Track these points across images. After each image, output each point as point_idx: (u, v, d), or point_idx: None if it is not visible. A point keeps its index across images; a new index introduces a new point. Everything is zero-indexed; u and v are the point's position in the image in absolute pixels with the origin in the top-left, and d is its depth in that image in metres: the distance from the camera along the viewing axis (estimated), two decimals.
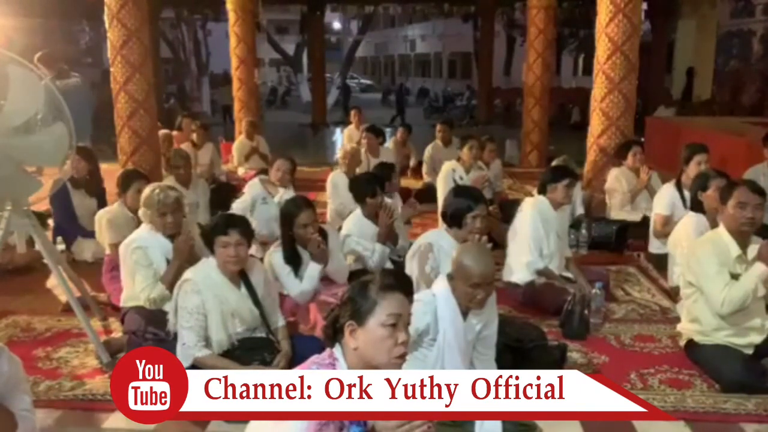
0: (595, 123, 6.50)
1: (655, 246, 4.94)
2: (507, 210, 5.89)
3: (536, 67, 9.92)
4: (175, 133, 8.39)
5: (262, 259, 3.78)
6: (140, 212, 3.70)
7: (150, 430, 2.89)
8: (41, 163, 3.79)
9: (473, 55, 24.83)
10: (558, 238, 4.28)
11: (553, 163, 5.43)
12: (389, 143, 9.67)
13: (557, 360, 3.29)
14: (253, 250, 4.79)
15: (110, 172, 5.90)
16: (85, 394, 3.19)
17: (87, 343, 3.68)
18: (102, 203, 5.32)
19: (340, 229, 4.45)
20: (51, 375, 3.39)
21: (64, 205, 5.25)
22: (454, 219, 3.53)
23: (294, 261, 3.67)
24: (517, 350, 3.21)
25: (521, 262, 4.22)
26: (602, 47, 6.29)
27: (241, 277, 3.15)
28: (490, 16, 18.38)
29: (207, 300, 3.03)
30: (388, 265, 4.33)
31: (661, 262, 4.70)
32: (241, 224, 3.12)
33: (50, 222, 5.56)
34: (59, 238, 4.99)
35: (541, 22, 9.72)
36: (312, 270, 3.65)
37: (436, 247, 3.50)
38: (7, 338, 3.83)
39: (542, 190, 4.32)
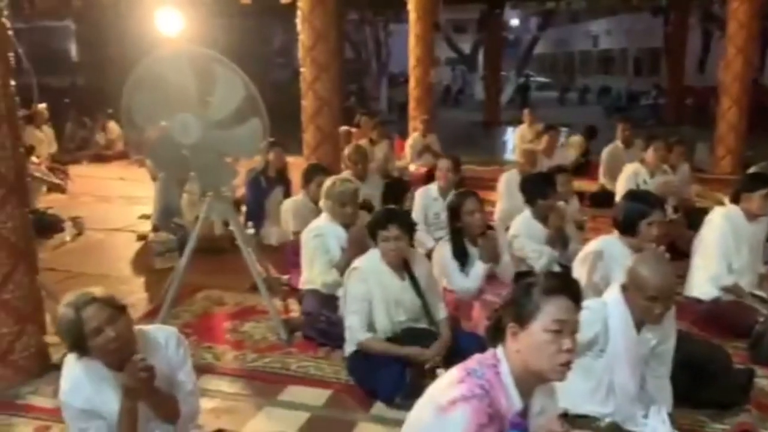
0: None
1: None
2: (693, 219, 5.44)
3: (735, 65, 9.02)
4: (353, 129, 8.81)
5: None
6: (321, 203, 3.97)
7: None
8: (239, 154, 4.15)
9: (663, 50, 23.13)
10: (750, 252, 3.90)
11: (750, 170, 4.96)
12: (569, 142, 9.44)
13: (743, 386, 3.00)
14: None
15: (296, 165, 6.35)
16: (265, 367, 3.50)
17: (268, 320, 4.01)
18: (287, 193, 5.77)
19: (507, 230, 4.41)
20: (237, 346, 3.76)
21: (256, 194, 5.78)
22: (626, 226, 3.35)
23: (461, 257, 3.72)
24: (695, 370, 2.97)
25: (706, 276, 3.90)
26: None
27: (405, 268, 3.26)
28: (684, 8, 17.11)
29: (372, 288, 3.18)
30: (555, 269, 4.22)
31: None
32: (401, 219, 3.22)
33: (243, 208, 6.13)
34: (249, 223, 5.47)
35: (744, 15, 8.82)
36: (478, 269, 3.68)
37: (606, 254, 3.35)
38: (203, 309, 4.32)
39: (735, 199, 3.96)
